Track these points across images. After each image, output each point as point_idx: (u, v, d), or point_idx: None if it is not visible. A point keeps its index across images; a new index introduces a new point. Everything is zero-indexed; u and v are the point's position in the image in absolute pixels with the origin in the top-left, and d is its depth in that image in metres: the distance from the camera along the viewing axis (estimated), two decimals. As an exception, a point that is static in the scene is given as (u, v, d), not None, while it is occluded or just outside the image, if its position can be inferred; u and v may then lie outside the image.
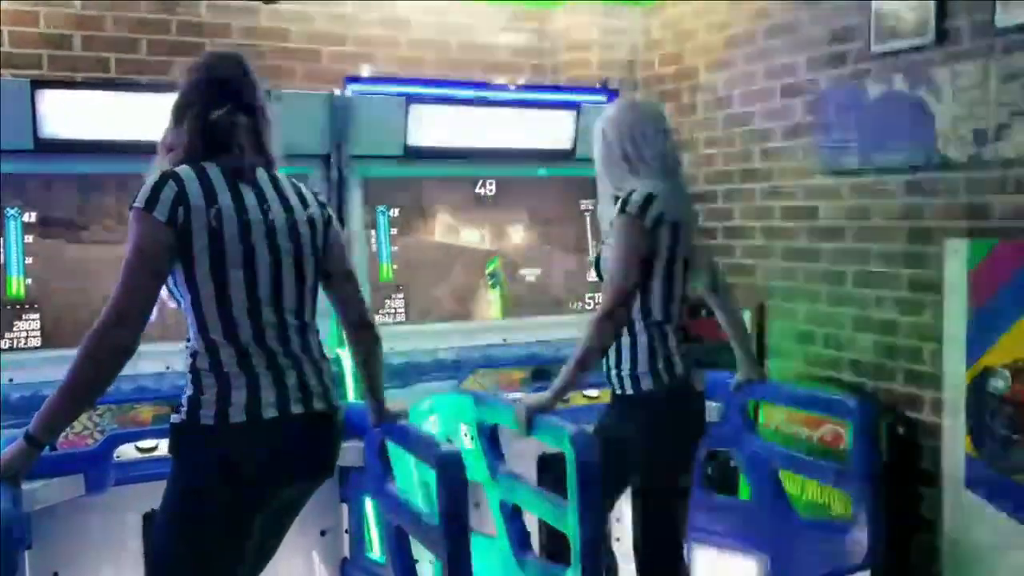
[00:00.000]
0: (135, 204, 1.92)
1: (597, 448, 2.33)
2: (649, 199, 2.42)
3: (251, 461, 1.94)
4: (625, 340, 2.50)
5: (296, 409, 1.99)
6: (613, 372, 2.54)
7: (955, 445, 3.12)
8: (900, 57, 3.35)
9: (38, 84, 2.96)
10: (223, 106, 1.99)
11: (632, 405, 2.51)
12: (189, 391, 1.97)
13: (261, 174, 2.06)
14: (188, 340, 2.00)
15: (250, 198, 1.99)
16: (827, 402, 3.25)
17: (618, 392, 2.54)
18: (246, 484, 1.94)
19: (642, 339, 2.48)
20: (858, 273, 3.61)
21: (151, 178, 1.94)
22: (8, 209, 2.92)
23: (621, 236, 2.42)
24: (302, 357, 2.03)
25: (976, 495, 3.05)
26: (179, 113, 2.03)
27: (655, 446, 2.51)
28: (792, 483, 3.43)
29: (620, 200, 2.46)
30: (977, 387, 3.05)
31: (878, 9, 3.40)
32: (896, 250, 3.44)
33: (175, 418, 1.99)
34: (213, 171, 1.97)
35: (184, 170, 1.95)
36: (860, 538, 2.88)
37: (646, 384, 2.48)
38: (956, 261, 3.11)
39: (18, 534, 1.85)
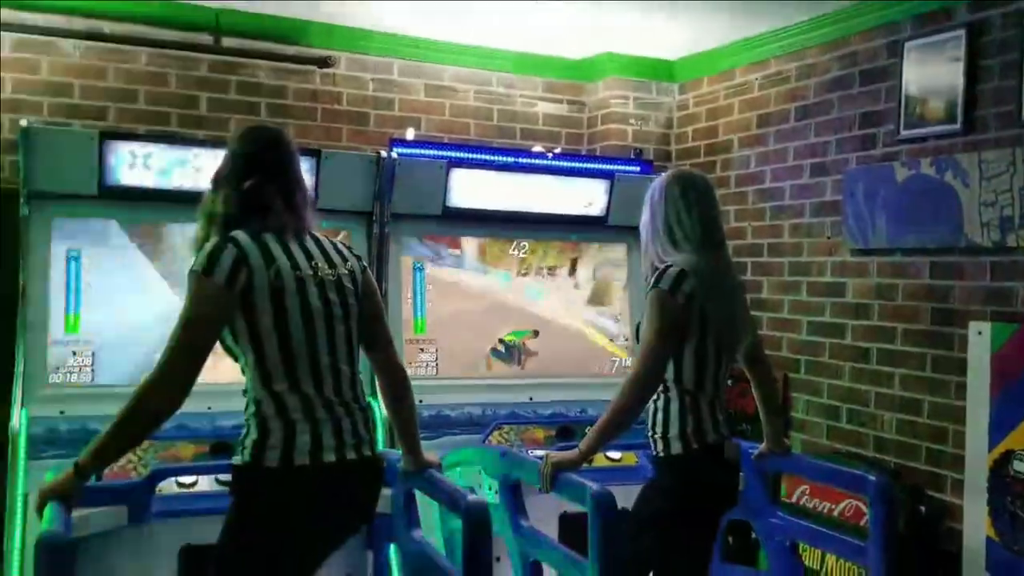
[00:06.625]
0: (194, 268, 1.99)
1: (617, 507, 2.39)
2: (682, 275, 2.46)
3: (312, 501, 2.03)
4: (660, 403, 2.54)
5: (350, 455, 2.09)
6: (649, 432, 2.58)
7: (976, 527, 3.13)
8: (928, 142, 3.46)
9: (107, 135, 3.15)
10: (254, 176, 2.11)
11: (662, 467, 2.56)
12: (253, 435, 2.02)
13: (303, 235, 2.17)
14: (246, 391, 2.08)
15: (300, 256, 2.11)
16: (848, 477, 3.24)
17: (652, 453, 2.59)
18: (304, 523, 2.03)
19: (674, 404, 2.52)
20: (883, 351, 3.66)
21: (209, 244, 2.03)
22: (70, 251, 3.09)
23: (653, 310, 2.47)
24: (353, 405, 2.14)
25: (996, 578, 3.05)
26: (216, 183, 2.16)
27: (678, 509, 2.52)
28: (811, 557, 3.44)
29: (656, 273, 2.51)
30: (999, 469, 3.07)
31: (907, 95, 3.52)
32: (921, 330, 3.50)
33: (237, 460, 2.06)
34: (267, 235, 2.08)
35: (240, 234, 2.04)
36: (877, 615, 2.88)
37: (675, 448, 2.51)
38: (979, 344, 3.16)
39: (68, 559, 1.93)
